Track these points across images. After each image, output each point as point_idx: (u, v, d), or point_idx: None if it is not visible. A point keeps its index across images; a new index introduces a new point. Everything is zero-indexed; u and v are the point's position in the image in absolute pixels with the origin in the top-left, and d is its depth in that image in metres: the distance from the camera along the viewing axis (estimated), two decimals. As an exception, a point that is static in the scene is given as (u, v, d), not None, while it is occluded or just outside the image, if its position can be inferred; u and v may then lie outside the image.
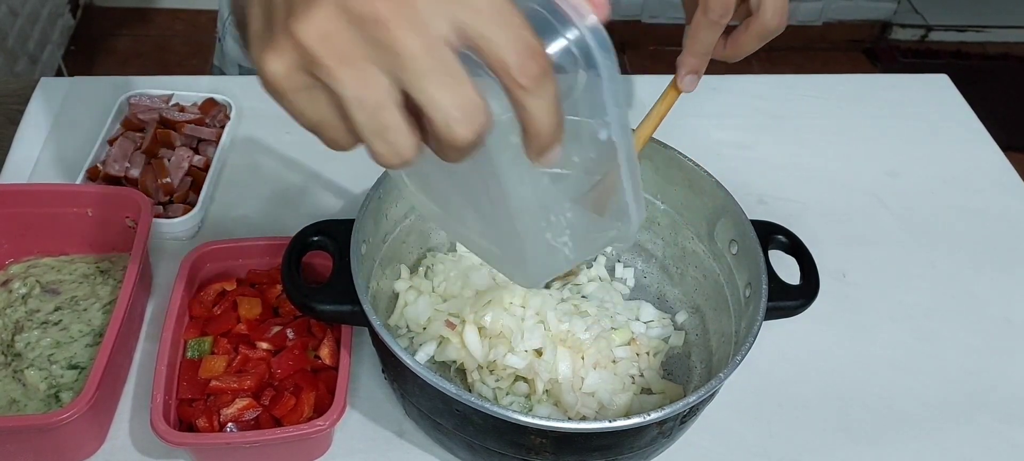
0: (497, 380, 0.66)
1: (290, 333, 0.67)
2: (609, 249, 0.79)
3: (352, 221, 0.63)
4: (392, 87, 0.34)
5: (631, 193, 0.46)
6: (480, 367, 0.66)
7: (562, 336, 0.67)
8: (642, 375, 0.69)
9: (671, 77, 0.65)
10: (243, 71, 1.07)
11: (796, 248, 0.68)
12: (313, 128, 0.37)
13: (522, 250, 0.46)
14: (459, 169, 0.40)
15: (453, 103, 0.34)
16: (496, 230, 0.47)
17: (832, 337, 0.77)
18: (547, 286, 0.70)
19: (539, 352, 0.66)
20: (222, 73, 1.11)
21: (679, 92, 0.64)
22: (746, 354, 0.57)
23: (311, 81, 0.35)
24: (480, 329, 0.66)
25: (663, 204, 0.75)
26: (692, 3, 0.60)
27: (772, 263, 0.65)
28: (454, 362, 0.68)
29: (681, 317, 0.74)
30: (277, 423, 0.62)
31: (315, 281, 0.72)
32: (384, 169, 0.66)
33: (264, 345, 0.66)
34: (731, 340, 0.66)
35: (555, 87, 0.36)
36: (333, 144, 0.38)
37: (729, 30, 0.62)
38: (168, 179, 0.80)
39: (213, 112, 0.89)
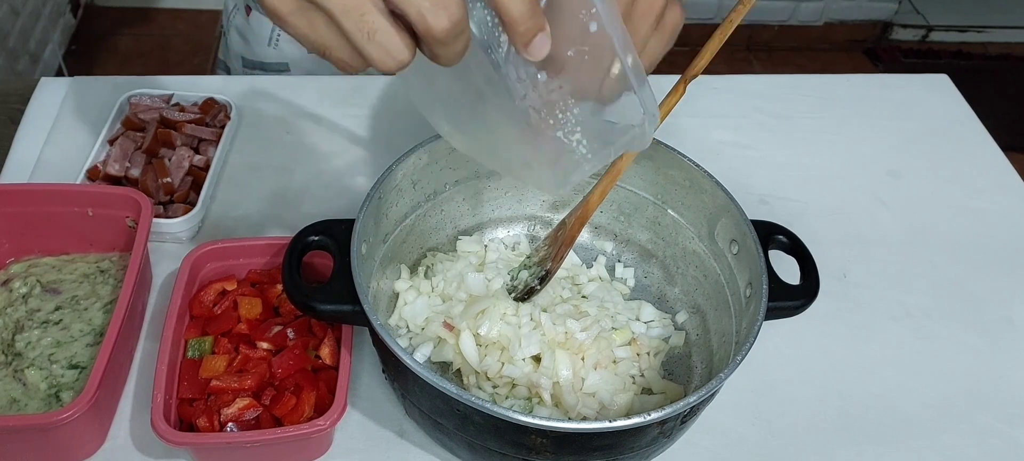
0: (495, 386, 0.66)
1: (290, 333, 0.67)
2: (609, 248, 0.79)
3: (352, 221, 0.63)
4: None
5: (635, 83, 0.46)
6: (477, 373, 0.66)
7: (560, 339, 0.67)
8: (643, 375, 0.69)
9: (674, 77, 0.65)
10: (246, 64, 1.07)
11: (796, 248, 0.68)
12: (321, 50, 0.41)
13: (539, 151, 0.49)
14: (470, 82, 0.45)
15: None
16: (515, 139, 0.49)
17: (832, 337, 0.77)
18: (540, 284, 0.70)
19: (537, 359, 0.66)
20: (226, 67, 1.12)
21: (682, 93, 0.64)
22: (746, 354, 0.57)
23: (304, 3, 0.40)
24: (476, 336, 0.66)
25: (664, 204, 0.75)
26: None
27: (772, 263, 0.65)
28: (451, 363, 0.68)
29: (681, 317, 0.74)
30: (277, 423, 0.62)
31: (315, 281, 0.72)
32: (386, 170, 0.67)
33: (264, 345, 0.66)
34: (731, 340, 0.66)
35: None
36: (342, 64, 0.42)
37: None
38: (168, 179, 0.81)
39: (213, 112, 0.89)
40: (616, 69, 0.46)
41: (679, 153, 0.70)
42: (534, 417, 0.52)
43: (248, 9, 1.04)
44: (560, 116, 0.48)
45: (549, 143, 0.48)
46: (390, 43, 0.40)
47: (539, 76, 0.45)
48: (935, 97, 1.08)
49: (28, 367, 0.65)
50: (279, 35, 1.03)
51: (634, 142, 0.51)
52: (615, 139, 0.51)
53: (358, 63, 0.42)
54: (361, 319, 0.58)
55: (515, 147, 0.52)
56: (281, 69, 1.06)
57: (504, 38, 0.42)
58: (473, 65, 0.44)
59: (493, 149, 0.56)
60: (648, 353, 0.70)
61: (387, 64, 0.40)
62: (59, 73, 2.32)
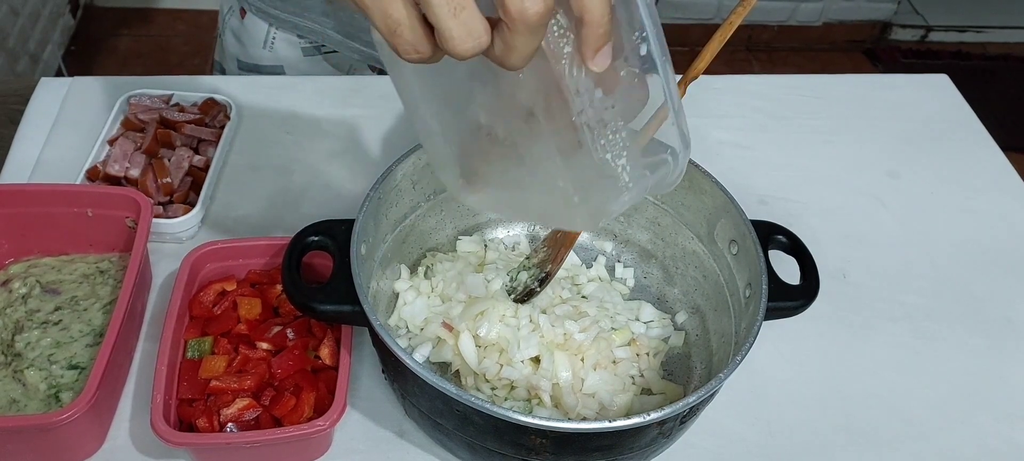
0: (493, 389, 0.66)
1: (290, 333, 0.67)
2: (609, 248, 0.79)
3: (352, 221, 0.63)
4: None
5: (674, 112, 0.48)
6: (476, 375, 0.66)
7: (558, 341, 0.67)
8: (642, 375, 0.69)
9: (675, 77, 0.64)
10: (241, 66, 1.07)
11: (796, 248, 0.68)
12: (390, 29, 0.40)
13: (583, 176, 0.48)
14: (516, 100, 0.45)
15: None
16: (559, 165, 0.48)
17: (832, 337, 0.77)
18: (539, 286, 0.70)
19: (536, 361, 0.66)
20: (222, 68, 1.11)
21: (682, 94, 0.63)
22: (746, 354, 0.57)
23: None
24: (475, 337, 0.66)
25: (663, 204, 0.75)
26: None
27: (772, 263, 0.65)
28: (450, 363, 0.68)
29: (681, 317, 0.74)
30: (277, 423, 0.62)
31: (315, 281, 0.72)
32: (385, 170, 0.67)
33: (264, 345, 0.66)
34: (731, 340, 0.66)
35: None
36: (406, 46, 0.40)
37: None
38: (168, 179, 0.81)
39: (213, 112, 0.89)
40: (660, 95, 0.46)
41: (679, 153, 0.70)
42: (534, 417, 0.52)
43: (243, 11, 1.04)
44: (611, 138, 0.47)
45: (595, 167, 0.48)
46: (474, 22, 0.39)
47: (596, 92, 0.45)
48: (935, 97, 1.08)
49: (28, 367, 0.65)
50: (274, 37, 1.03)
51: (667, 178, 0.51)
52: (650, 175, 0.51)
53: (424, 46, 0.41)
54: (361, 319, 0.58)
55: (556, 175, 0.50)
56: (276, 71, 1.06)
57: (568, 49, 0.43)
58: (529, 77, 0.44)
59: (524, 186, 0.54)
60: (648, 353, 0.70)
61: (465, 45, 0.39)
62: (59, 74, 2.32)
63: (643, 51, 0.44)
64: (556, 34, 0.43)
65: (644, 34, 0.43)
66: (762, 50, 2.82)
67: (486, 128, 0.51)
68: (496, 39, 0.40)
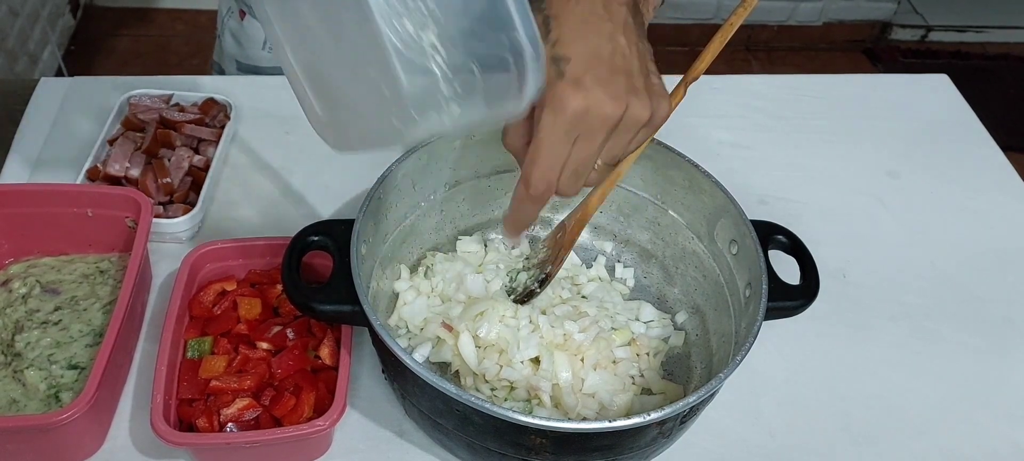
0: (493, 389, 0.66)
1: (290, 333, 0.67)
2: (609, 249, 0.79)
3: (352, 221, 0.63)
4: None
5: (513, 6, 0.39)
6: (476, 375, 0.66)
7: (558, 341, 0.67)
8: (642, 375, 0.69)
9: (675, 77, 0.65)
10: (240, 67, 1.07)
11: (796, 248, 0.68)
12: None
13: (382, 57, 0.39)
14: None
15: None
16: (364, 45, 0.41)
17: (832, 337, 0.77)
18: (539, 287, 0.70)
19: (536, 361, 0.66)
20: (221, 69, 1.11)
21: (682, 96, 0.63)
22: (746, 354, 0.57)
23: None
24: (475, 338, 0.66)
25: (664, 204, 0.75)
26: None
27: (772, 263, 0.65)
28: (449, 363, 0.68)
29: (681, 317, 0.74)
30: (277, 423, 0.62)
31: (315, 281, 0.72)
32: (385, 170, 0.67)
33: (264, 345, 0.66)
34: (731, 340, 0.66)
35: None
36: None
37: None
38: (168, 179, 0.80)
39: (213, 112, 0.89)
40: None
41: (679, 153, 0.70)
42: (534, 417, 0.52)
43: (242, 13, 1.04)
44: (410, 5, 0.39)
45: (392, 37, 0.39)
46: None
47: None
48: (935, 97, 1.08)
49: (27, 367, 0.65)
50: None
51: (508, 90, 0.42)
52: (484, 68, 0.41)
53: None
54: (361, 319, 0.58)
55: (368, 62, 0.42)
56: (275, 72, 1.06)
57: None
58: None
59: (354, 98, 0.46)
60: (648, 353, 0.70)
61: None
62: (59, 74, 2.32)
63: None
64: None
65: None
66: (762, 50, 2.82)
67: (323, 38, 0.44)
68: None
